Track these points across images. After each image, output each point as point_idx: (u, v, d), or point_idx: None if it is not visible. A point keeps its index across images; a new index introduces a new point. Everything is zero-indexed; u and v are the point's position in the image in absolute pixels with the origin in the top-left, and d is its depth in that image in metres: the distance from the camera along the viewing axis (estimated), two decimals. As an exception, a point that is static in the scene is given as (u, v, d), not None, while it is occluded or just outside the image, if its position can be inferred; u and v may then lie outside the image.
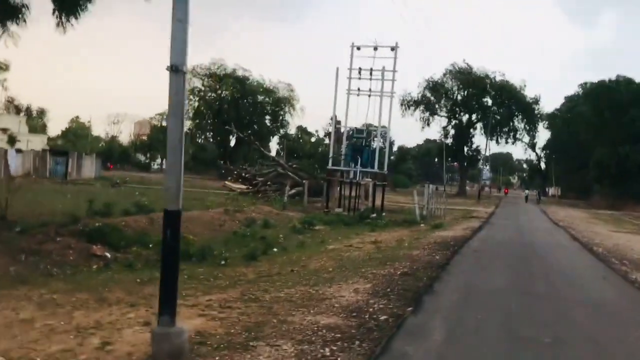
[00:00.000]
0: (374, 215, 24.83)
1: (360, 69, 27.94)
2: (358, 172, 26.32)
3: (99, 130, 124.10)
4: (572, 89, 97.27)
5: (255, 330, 6.23)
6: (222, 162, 61.88)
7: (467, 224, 22.81)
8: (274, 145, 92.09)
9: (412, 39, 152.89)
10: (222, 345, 5.66)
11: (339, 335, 6.05)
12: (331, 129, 32.05)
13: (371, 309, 7.18)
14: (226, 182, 41.16)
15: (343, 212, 26.71)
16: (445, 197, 32.54)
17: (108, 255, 10.95)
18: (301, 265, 11.45)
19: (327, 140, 61.72)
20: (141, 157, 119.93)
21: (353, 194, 28.71)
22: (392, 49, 27.83)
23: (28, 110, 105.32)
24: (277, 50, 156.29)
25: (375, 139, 27.92)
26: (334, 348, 5.63)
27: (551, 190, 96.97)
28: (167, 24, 5.12)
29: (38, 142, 52.62)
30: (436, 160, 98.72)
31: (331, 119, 31.43)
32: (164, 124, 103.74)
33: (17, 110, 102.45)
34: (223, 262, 11.29)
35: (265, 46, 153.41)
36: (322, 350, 5.55)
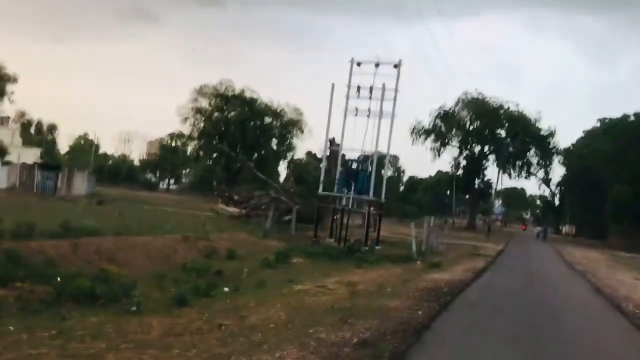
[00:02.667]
0: (366, 248, 22.05)
1: (359, 87, 25.49)
2: (351, 198, 23.58)
3: (109, 148, 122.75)
4: (589, 124, 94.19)
5: None
6: (218, 184, 59.47)
7: (469, 264, 19.91)
8: (282, 169, 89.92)
9: (424, 67, 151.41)
10: None
11: None
12: (328, 151, 29.41)
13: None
14: (219, 205, 38.77)
15: (334, 243, 24.00)
16: (447, 231, 29.58)
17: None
18: (240, 317, 8.74)
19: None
20: (151, 177, 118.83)
21: (350, 223, 26.11)
22: (395, 66, 25.41)
23: (39, 125, 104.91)
24: (286, 74, 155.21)
25: (372, 163, 25.18)
26: None
27: (565, 229, 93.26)
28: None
29: (30, 155, 50.56)
30: (448, 192, 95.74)
31: (330, 141, 28.84)
32: (173, 144, 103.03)
33: (28, 124, 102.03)
34: (134, 309, 8.61)
35: (276, 70, 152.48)
36: None
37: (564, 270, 22.99)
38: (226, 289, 11.77)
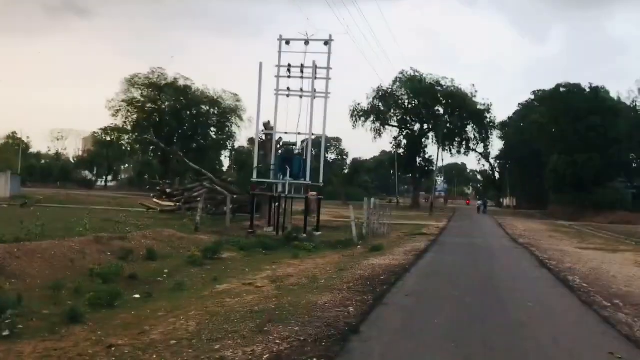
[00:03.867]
0: (304, 235, 20.89)
1: (289, 65, 24.10)
2: (287, 184, 22.30)
3: (42, 147, 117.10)
4: (524, 97, 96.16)
5: None
6: (152, 178, 56.97)
7: (411, 245, 19.09)
8: (226, 159, 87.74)
9: (361, 52, 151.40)
10: None
11: None
12: (261, 136, 27.95)
13: None
14: (153, 200, 36.72)
15: (272, 232, 22.71)
16: (388, 211, 28.80)
17: None
18: (140, 332, 7.37)
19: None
20: (87, 174, 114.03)
21: (294, 209, 24.90)
22: (326, 43, 24.09)
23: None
24: (225, 65, 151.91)
25: (305, 146, 23.93)
26: None
27: (506, 201, 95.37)
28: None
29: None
30: (392, 172, 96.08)
31: (265, 125, 27.38)
32: (108, 138, 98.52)
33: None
34: (6, 333, 7.09)
35: (215, 61, 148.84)
36: None
37: (507, 244, 22.56)
38: (136, 296, 10.33)
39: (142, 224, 21.99)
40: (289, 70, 24.09)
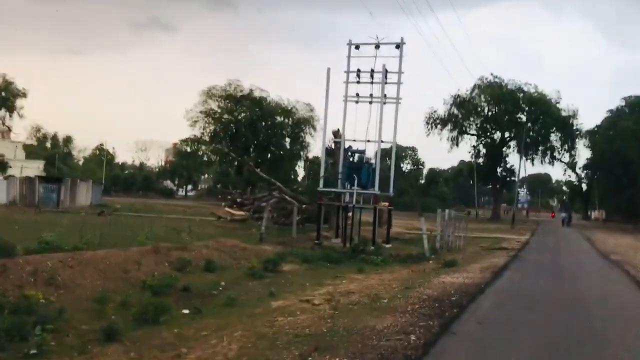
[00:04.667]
0: (372, 248, 19.83)
1: (359, 70, 23.24)
2: (354, 194, 21.34)
3: (127, 157, 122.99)
4: (613, 104, 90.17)
5: None
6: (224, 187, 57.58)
7: (489, 261, 17.55)
8: (300, 170, 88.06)
9: (438, 55, 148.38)
10: None
11: None
12: (330, 144, 27.25)
13: None
14: (225, 209, 36.85)
15: (339, 243, 21.79)
16: (464, 223, 27.10)
17: None
18: (176, 354, 6.68)
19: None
20: (168, 184, 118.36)
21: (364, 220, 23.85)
22: (397, 46, 23.06)
23: (54, 139, 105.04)
24: (302, 75, 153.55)
25: (376, 154, 22.82)
26: None
27: (594, 214, 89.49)
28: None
29: (34, 169, 49.39)
30: (471, 182, 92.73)
31: (334, 133, 26.70)
32: (188, 149, 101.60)
33: (44, 138, 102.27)
34: (34, 351, 6.58)
35: (291, 71, 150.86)
36: None
37: (598, 262, 20.43)
38: (185, 311, 9.72)
39: (207, 233, 21.79)
40: (358, 76, 23.24)
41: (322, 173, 22.68)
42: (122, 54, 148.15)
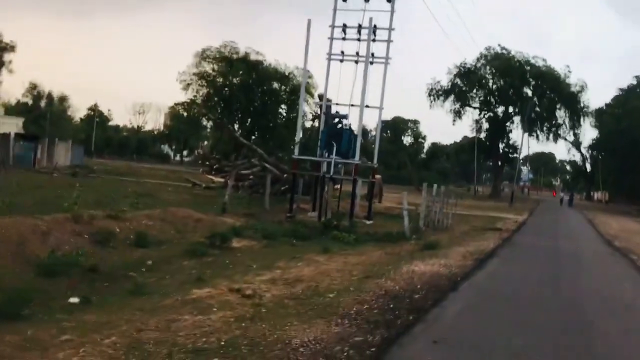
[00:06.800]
0: (347, 224, 17.67)
1: (344, 25, 20.79)
2: (332, 163, 19.10)
3: (125, 120, 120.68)
4: (624, 83, 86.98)
5: None
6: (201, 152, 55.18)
7: (476, 244, 15.35)
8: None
9: (444, 25, 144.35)
10: None
11: None
12: (317, 109, 24.95)
13: None
14: (205, 175, 34.76)
15: (316, 217, 19.67)
16: (454, 199, 24.84)
17: None
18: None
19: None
20: (165, 149, 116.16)
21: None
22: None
23: (49, 97, 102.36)
24: (297, 40, 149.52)
25: (359, 119, 20.49)
26: None
27: (597, 195, 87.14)
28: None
29: (12, 126, 46.98)
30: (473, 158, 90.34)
31: (319, 96, 24.42)
32: (185, 113, 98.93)
33: (39, 96, 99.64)
34: None
35: (293, 35, 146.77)
36: None
37: (600, 248, 18.23)
38: (74, 300, 7.62)
39: (167, 200, 19.71)
40: (344, 31, 20.82)
41: (297, 138, 20.40)
42: (129, 17, 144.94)
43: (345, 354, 5.06)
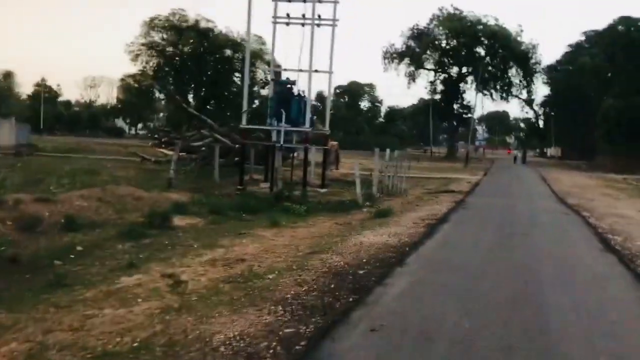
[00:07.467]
0: (298, 194, 17.12)
1: (288, -16, 19.82)
2: (282, 131, 18.40)
3: (74, 94, 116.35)
4: (573, 39, 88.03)
5: None
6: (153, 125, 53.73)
7: (429, 208, 15.06)
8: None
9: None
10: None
11: None
12: (270, 76, 24.17)
13: None
14: (155, 149, 33.52)
15: (268, 188, 19.02)
16: (407, 163, 24.54)
17: None
18: None
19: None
20: (118, 123, 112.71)
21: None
22: (334, -41, 19.64)
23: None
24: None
25: (308, 83, 19.70)
26: None
27: (550, 151, 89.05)
28: None
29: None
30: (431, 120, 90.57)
31: (267, 63, 23.51)
32: (136, 85, 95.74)
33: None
34: None
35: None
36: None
37: (553, 206, 18.23)
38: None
39: (110, 177, 18.74)
40: (287, -10, 19.84)
41: (244, 107, 19.54)
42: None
43: (271, 351, 4.51)
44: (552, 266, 8.40)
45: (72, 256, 9.37)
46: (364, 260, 8.02)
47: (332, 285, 6.60)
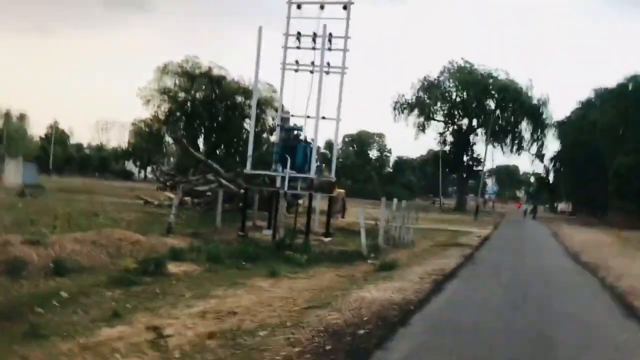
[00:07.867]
0: (300, 241, 16.54)
1: (299, 33, 19.84)
2: (286, 178, 17.99)
3: (86, 137, 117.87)
4: (584, 94, 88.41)
5: None
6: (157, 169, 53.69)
7: (437, 262, 14.40)
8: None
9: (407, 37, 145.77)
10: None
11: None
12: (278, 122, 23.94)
13: None
14: (160, 192, 33.18)
15: (270, 235, 18.45)
16: (414, 214, 23.97)
17: None
18: None
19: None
20: (130, 165, 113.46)
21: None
22: (345, 6, 19.70)
23: (7, 115, 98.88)
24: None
25: (315, 131, 19.41)
26: None
27: (561, 206, 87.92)
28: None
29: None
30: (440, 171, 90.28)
31: (275, 109, 23.33)
32: (148, 129, 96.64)
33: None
34: None
35: (249, 46, 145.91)
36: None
37: (566, 264, 17.46)
38: None
39: (109, 219, 18.31)
40: (298, 40, 19.83)
41: (249, 152, 19.24)
42: (91, 33, 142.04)
43: None
44: (568, 332, 7.71)
45: (56, 303, 8.81)
46: (365, 319, 7.40)
47: (328, 347, 6.00)
